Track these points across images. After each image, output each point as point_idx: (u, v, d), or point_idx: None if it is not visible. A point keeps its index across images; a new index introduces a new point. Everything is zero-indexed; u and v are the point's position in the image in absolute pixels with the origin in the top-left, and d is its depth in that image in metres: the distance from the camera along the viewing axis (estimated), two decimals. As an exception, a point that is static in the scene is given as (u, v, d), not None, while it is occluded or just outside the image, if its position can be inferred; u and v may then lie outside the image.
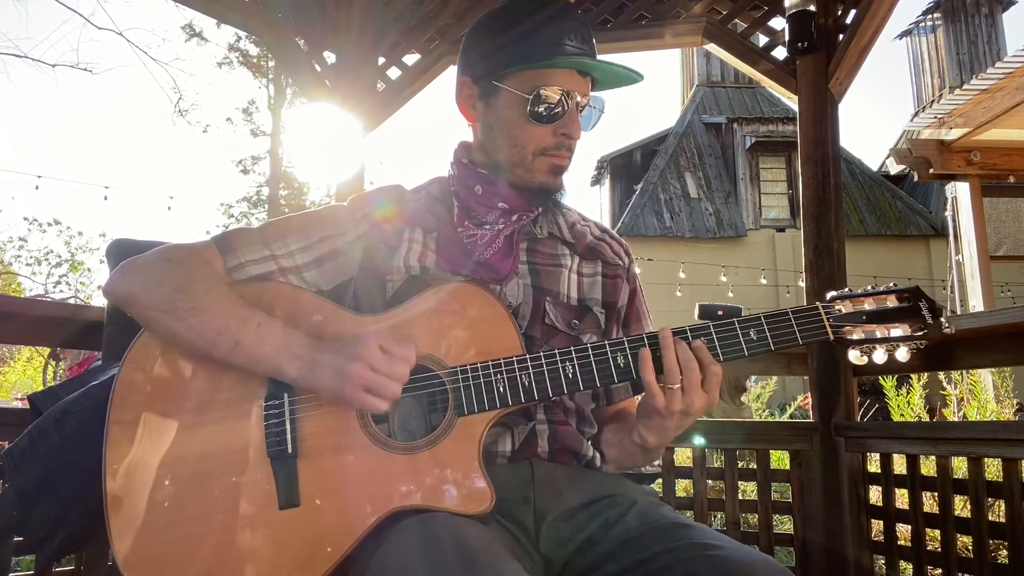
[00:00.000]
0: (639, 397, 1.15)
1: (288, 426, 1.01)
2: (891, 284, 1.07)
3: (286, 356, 0.99)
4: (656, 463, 2.17)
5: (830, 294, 1.07)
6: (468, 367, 1.03)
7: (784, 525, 3.08)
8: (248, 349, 0.99)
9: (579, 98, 1.14)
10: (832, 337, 1.03)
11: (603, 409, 1.26)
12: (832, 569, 2.06)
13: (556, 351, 1.04)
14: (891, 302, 1.05)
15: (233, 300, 1.03)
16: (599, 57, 1.15)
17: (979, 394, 3.78)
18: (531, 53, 1.11)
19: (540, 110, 1.11)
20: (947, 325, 1.02)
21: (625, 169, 15.32)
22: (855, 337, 1.03)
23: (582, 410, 1.19)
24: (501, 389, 1.02)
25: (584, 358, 1.03)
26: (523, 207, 1.18)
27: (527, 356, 1.03)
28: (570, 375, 1.03)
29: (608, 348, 1.04)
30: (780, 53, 2.59)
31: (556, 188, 1.18)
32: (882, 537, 2.03)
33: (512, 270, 1.17)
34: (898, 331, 1.03)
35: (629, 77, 1.16)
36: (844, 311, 1.04)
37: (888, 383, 3.87)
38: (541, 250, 1.22)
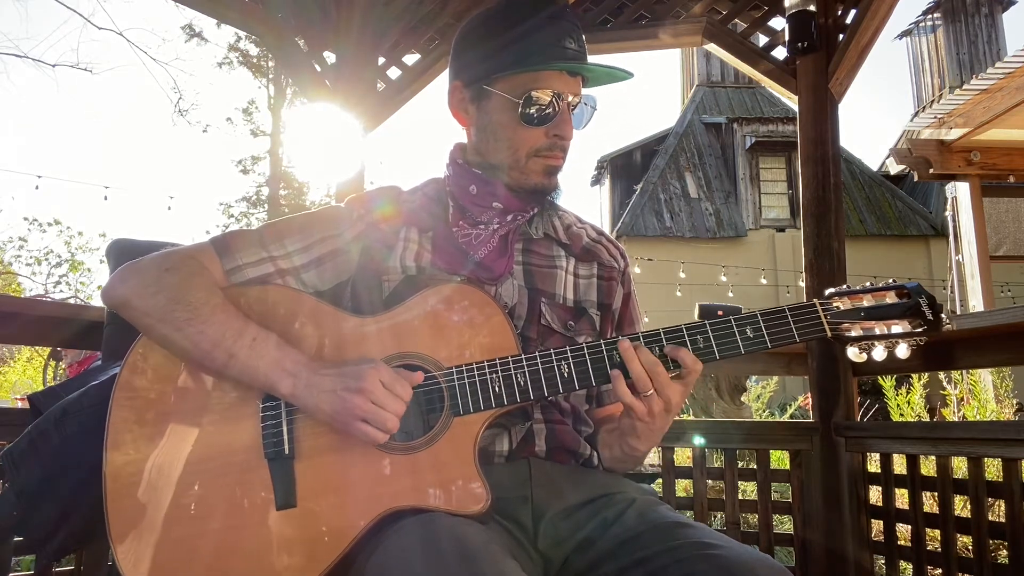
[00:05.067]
0: None
1: (285, 427, 1.01)
2: (890, 281, 1.06)
3: (279, 372, 0.99)
4: (656, 463, 2.19)
5: (828, 291, 1.06)
6: (464, 367, 1.03)
7: (784, 525, 3.08)
8: (243, 363, 0.99)
9: (570, 98, 1.14)
10: (830, 334, 1.02)
11: (594, 411, 1.25)
12: (832, 569, 2.05)
13: (552, 351, 1.04)
14: (890, 298, 1.03)
15: (229, 312, 1.03)
16: (591, 59, 1.15)
17: (979, 394, 3.78)
18: (521, 57, 1.11)
19: (532, 112, 1.11)
20: (947, 321, 1.01)
21: (625, 169, 15.30)
22: (853, 334, 1.02)
23: (578, 410, 1.19)
24: (497, 389, 1.02)
25: (580, 357, 1.03)
26: (518, 207, 1.18)
27: (522, 356, 1.03)
28: (566, 374, 1.03)
29: (604, 347, 1.03)
30: (780, 53, 2.59)
31: (551, 188, 1.18)
32: (882, 537, 2.03)
33: (507, 270, 1.17)
34: (898, 327, 1.01)
35: (621, 76, 1.16)
36: (842, 308, 1.03)
37: (888, 383, 3.87)
38: (537, 251, 1.22)
